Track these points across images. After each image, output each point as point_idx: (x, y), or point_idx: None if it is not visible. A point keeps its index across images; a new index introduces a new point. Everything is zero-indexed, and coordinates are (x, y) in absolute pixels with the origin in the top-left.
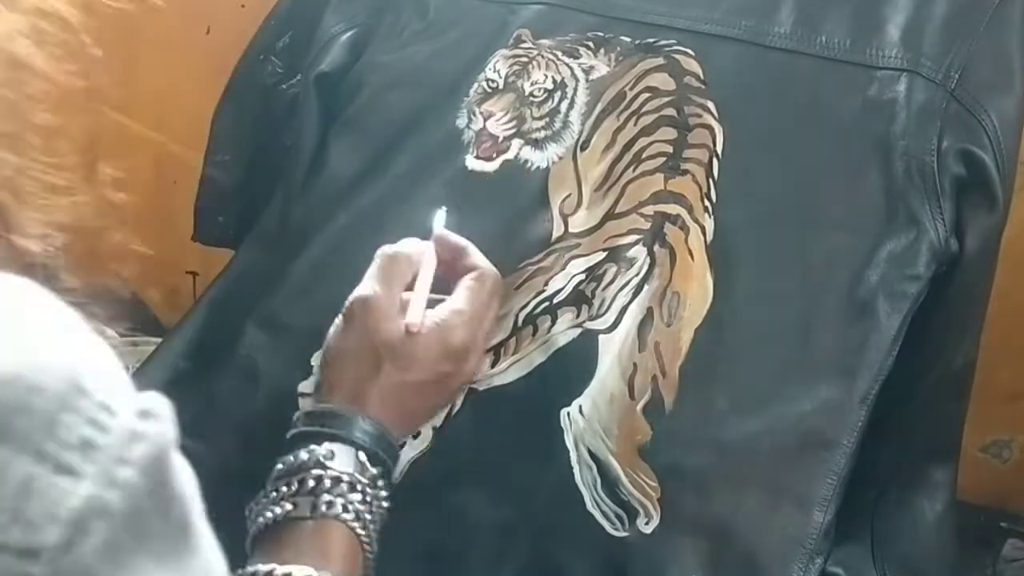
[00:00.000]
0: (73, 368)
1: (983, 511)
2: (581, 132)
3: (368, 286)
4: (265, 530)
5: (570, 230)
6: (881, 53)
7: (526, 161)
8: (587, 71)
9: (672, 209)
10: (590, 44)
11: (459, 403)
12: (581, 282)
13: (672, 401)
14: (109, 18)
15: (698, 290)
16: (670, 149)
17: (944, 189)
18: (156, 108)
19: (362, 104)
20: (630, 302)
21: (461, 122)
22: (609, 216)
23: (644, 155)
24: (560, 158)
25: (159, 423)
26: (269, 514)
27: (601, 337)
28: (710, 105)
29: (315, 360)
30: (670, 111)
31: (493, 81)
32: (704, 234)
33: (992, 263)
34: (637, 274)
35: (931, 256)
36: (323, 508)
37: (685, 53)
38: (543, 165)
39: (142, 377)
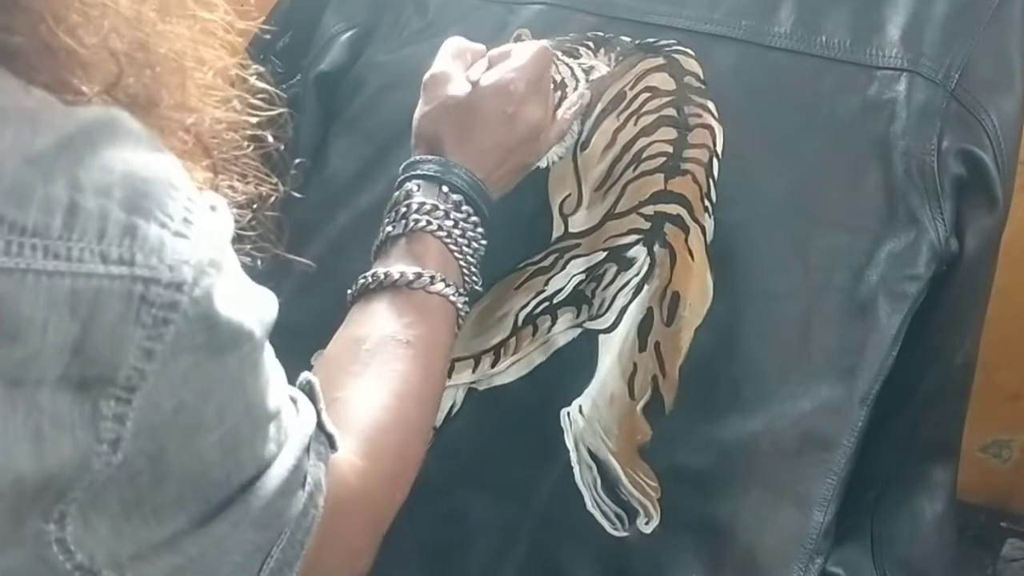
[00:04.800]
0: (168, 169)
1: (983, 511)
2: (581, 132)
3: (438, 64)
4: (376, 252)
5: (570, 230)
6: (881, 53)
7: None
8: (587, 71)
9: (672, 209)
10: (590, 44)
11: (459, 402)
12: (581, 282)
13: (672, 401)
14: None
15: (698, 290)
16: (670, 149)
17: (944, 189)
18: None
19: (362, 104)
20: (630, 302)
21: None
22: (609, 216)
23: (644, 155)
24: (560, 158)
25: (225, 212)
26: (377, 240)
27: (601, 337)
28: (710, 105)
29: (315, 360)
30: (670, 111)
31: None
32: (704, 234)
33: (992, 263)
34: (637, 274)
35: (931, 256)
36: (411, 224)
37: (685, 53)
38: (543, 165)
39: None
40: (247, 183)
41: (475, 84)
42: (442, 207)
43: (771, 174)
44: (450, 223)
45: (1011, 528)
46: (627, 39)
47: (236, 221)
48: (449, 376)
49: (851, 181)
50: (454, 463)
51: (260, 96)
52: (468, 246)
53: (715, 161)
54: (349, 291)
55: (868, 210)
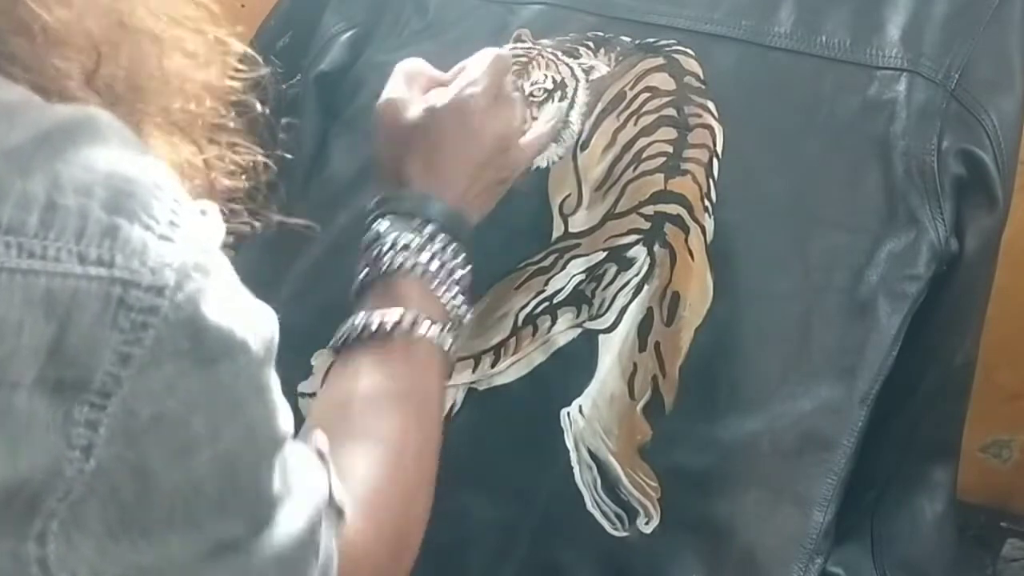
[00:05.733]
0: (154, 171)
1: (983, 511)
2: (581, 132)
3: (389, 89)
4: (353, 298)
5: (570, 230)
6: (881, 53)
7: None
8: (587, 71)
9: (672, 209)
10: (590, 44)
11: (459, 402)
12: (581, 282)
13: (672, 401)
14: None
15: (698, 290)
16: (670, 149)
17: (944, 189)
18: None
19: (362, 104)
20: (630, 302)
21: None
22: (609, 216)
23: (644, 155)
24: (560, 158)
25: (215, 217)
26: (353, 285)
27: (601, 337)
28: (710, 105)
29: (315, 360)
30: (670, 111)
31: None
32: (704, 234)
33: (992, 263)
34: (637, 274)
35: (931, 256)
36: (385, 266)
37: (685, 53)
38: (543, 165)
39: None
40: (237, 153)
41: (432, 107)
42: (415, 243)
43: (771, 174)
44: (426, 257)
45: (1011, 528)
46: (627, 39)
47: (233, 192)
48: (449, 376)
49: (851, 181)
50: (454, 463)
51: (242, 60)
52: (449, 278)
53: (715, 161)
54: (331, 342)
55: (868, 210)
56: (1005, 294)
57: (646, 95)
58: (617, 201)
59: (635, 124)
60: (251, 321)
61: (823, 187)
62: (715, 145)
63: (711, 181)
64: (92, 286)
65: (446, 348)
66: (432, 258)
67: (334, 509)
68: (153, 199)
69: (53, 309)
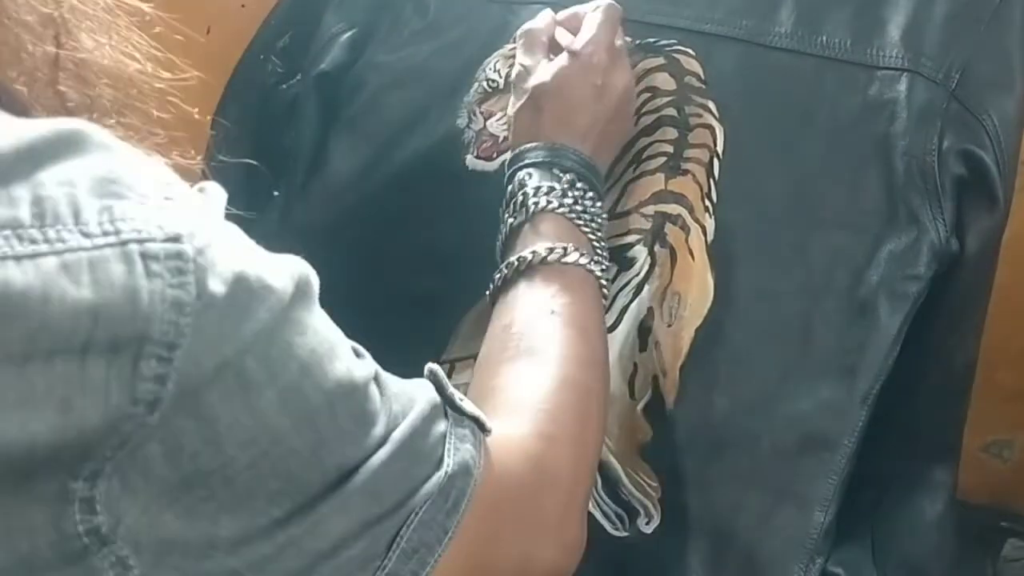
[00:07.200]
0: (140, 161)
1: (983, 511)
2: None
3: (519, 57)
4: (502, 248)
5: None
6: (882, 53)
7: None
8: None
9: (673, 209)
10: None
11: None
12: None
13: (673, 401)
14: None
15: (699, 290)
16: (671, 149)
17: (945, 189)
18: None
19: (362, 104)
20: (631, 302)
21: (461, 122)
22: (610, 216)
23: (645, 155)
24: None
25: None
26: (500, 236)
27: None
28: (711, 105)
29: None
30: (671, 111)
31: (493, 81)
32: (705, 234)
33: (992, 263)
34: (638, 274)
35: (931, 256)
36: (532, 208)
37: (686, 53)
38: None
39: None
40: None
41: (560, 69)
42: (558, 187)
43: (772, 174)
44: (570, 200)
45: (1011, 528)
46: (628, 39)
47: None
48: (449, 376)
49: (852, 181)
50: None
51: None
52: (592, 220)
53: (716, 161)
54: (487, 292)
55: (869, 210)
56: (1005, 294)
57: (647, 95)
58: (618, 201)
59: (636, 124)
60: (273, 267)
61: (823, 187)
62: (716, 145)
63: (711, 181)
64: (106, 252)
65: (597, 275)
66: (575, 201)
67: (467, 420)
68: (139, 181)
69: (76, 276)
